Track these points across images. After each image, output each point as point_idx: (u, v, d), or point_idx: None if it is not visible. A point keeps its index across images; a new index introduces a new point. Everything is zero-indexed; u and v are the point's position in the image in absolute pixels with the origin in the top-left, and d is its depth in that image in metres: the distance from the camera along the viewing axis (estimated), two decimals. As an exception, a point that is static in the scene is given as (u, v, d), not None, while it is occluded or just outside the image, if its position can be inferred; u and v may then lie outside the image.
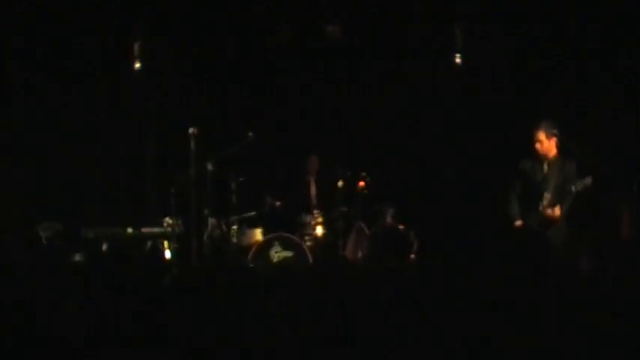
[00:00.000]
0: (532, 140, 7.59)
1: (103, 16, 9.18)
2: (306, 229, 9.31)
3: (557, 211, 7.40)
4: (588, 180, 7.24)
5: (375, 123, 9.93)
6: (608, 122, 8.88)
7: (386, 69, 9.87)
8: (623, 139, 8.76)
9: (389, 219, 9.51)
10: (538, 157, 7.62)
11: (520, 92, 9.31)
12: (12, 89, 9.21)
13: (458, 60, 9.62)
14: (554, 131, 7.53)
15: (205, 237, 8.62)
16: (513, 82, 9.41)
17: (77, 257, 7.68)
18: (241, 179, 9.00)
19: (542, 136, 7.54)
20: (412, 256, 9.17)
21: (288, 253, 8.95)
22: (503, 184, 7.85)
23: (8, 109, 9.18)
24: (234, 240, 9.06)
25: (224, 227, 9.10)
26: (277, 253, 8.97)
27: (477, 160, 9.36)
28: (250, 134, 8.57)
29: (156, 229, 8.65)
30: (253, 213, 9.33)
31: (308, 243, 9.10)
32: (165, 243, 8.66)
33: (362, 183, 9.41)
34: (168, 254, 8.63)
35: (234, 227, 9.08)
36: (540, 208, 7.46)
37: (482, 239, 8.25)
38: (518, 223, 7.59)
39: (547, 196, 7.45)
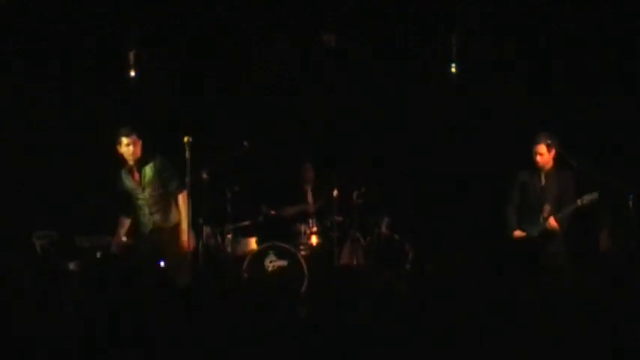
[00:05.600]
0: (529, 151, 7.63)
1: (99, 23, 9.17)
2: (301, 238, 9.28)
3: (559, 223, 7.45)
4: (595, 195, 7.31)
5: (371, 133, 9.92)
6: (604, 133, 8.90)
7: (382, 78, 9.86)
8: (618, 151, 8.78)
9: (384, 229, 9.50)
10: (535, 169, 7.66)
11: (517, 103, 9.31)
12: (7, 96, 9.20)
13: (453, 70, 9.65)
14: (552, 143, 7.57)
15: (200, 246, 8.58)
16: (510, 93, 9.41)
17: (72, 266, 7.67)
18: (236, 188, 8.98)
19: (543, 149, 7.58)
20: (407, 266, 9.17)
21: (283, 263, 8.92)
22: (500, 195, 7.87)
23: (3, 118, 9.18)
24: (229, 249, 9.04)
25: (219, 236, 9.08)
26: (272, 263, 8.94)
27: (474, 170, 9.35)
28: (246, 143, 8.54)
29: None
30: (248, 222, 9.32)
31: (303, 252, 9.07)
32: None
33: (357, 192, 9.39)
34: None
35: (229, 236, 9.06)
36: (541, 220, 7.49)
37: (477, 250, 8.26)
38: (518, 233, 7.62)
39: (547, 208, 7.50)
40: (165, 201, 7.73)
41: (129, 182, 7.75)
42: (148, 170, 7.70)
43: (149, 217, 7.74)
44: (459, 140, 9.66)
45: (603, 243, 8.42)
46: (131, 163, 7.70)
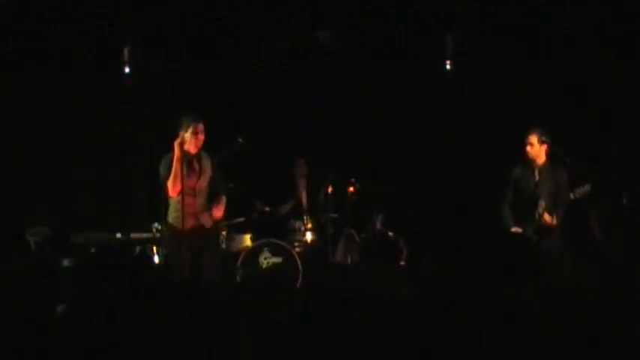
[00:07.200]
0: (523, 146, 7.62)
1: (94, 20, 9.15)
2: (295, 235, 9.29)
3: (553, 218, 7.44)
4: (587, 187, 7.30)
5: (365, 129, 9.92)
6: (598, 132, 8.92)
7: (377, 75, 9.86)
8: (612, 149, 8.80)
9: (379, 225, 9.51)
10: (528, 164, 7.65)
11: (512, 101, 9.32)
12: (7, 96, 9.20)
13: (449, 67, 9.65)
14: (546, 138, 7.57)
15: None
16: (505, 91, 9.42)
17: (66, 262, 7.64)
18: (230, 185, 8.96)
19: (534, 139, 7.58)
20: (402, 262, 9.17)
21: (278, 259, 8.92)
22: (494, 191, 7.87)
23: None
24: (224, 246, 9.02)
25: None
26: (266, 259, 8.94)
27: (468, 166, 9.37)
28: (240, 140, 8.51)
29: (145, 235, 8.62)
30: (242, 219, 9.31)
31: (297, 249, 9.07)
32: (154, 248, 8.63)
33: (352, 189, 9.40)
34: (156, 259, 8.60)
35: (224, 233, 9.04)
36: (536, 216, 7.48)
37: (473, 246, 8.25)
38: (515, 229, 7.61)
39: (542, 204, 7.48)
40: (205, 196, 7.51)
41: (185, 171, 7.17)
42: (208, 164, 7.39)
43: (187, 210, 7.16)
44: (455, 138, 9.67)
45: (595, 227, 8.43)
46: (193, 152, 7.27)
